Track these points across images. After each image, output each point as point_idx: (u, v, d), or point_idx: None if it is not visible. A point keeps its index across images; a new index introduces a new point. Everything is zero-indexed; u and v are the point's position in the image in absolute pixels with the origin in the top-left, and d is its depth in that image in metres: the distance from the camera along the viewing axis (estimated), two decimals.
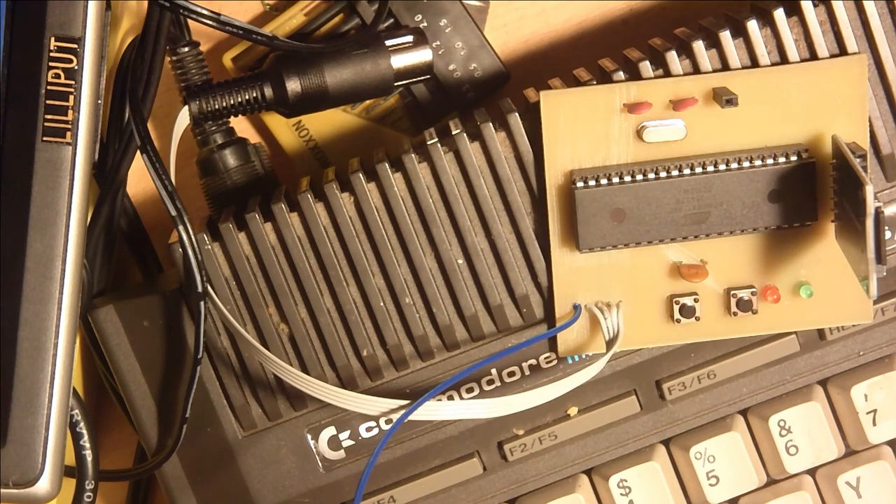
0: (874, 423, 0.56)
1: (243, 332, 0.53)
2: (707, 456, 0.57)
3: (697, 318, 0.54)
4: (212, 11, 0.55)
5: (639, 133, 0.53)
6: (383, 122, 0.60)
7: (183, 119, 0.56)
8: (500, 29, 0.60)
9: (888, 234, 0.55)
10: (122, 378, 0.56)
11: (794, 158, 0.53)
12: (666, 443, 0.57)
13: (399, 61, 0.57)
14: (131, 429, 0.58)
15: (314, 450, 0.56)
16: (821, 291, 0.54)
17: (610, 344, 0.54)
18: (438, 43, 0.59)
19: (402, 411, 0.52)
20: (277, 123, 0.60)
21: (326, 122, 0.59)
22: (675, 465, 0.57)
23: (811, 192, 0.53)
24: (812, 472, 0.58)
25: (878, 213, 0.48)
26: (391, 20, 0.58)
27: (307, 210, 0.54)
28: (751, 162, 0.53)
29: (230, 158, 0.58)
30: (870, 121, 0.54)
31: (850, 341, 0.56)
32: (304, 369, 0.55)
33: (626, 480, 0.56)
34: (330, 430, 0.56)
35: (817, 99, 0.53)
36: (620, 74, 0.54)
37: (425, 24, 0.58)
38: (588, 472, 0.57)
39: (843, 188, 0.52)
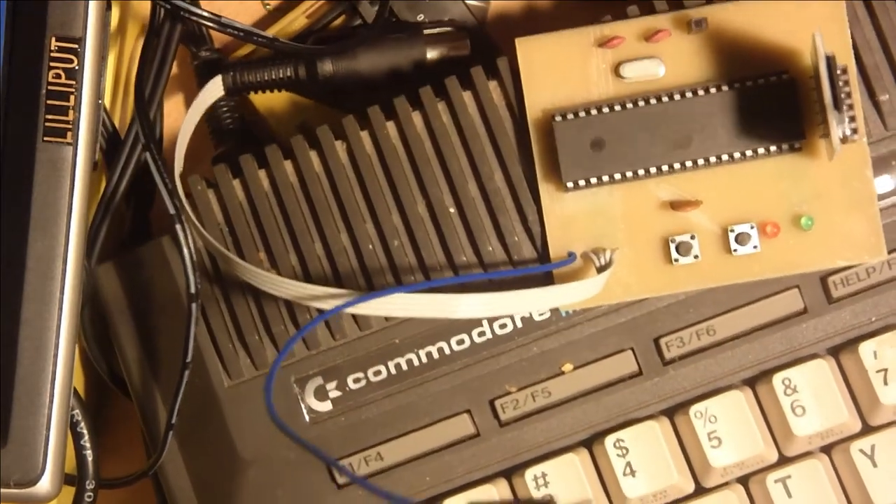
0: (885, 383, 0.54)
1: (210, 239, 0.53)
2: (708, 416, 0.54)
3: (696, 257, 0.53)
4: (213, 14, 0.56)
5: (617, 71, 0.54)
6: None
7: (214, 88, 0.57)
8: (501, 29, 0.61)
9: (891, 185, 0.54)
10: (117, 332, 0.56)
11: (773, 79, 0.52)
12: (667, 408, 0.55)
13: (434, 52, 0.58)
14: (133, 429, 0.57)
15: (301, 400, 0.55)
16: (822, 224, 0.53)
17: (601, 269, 0.52)
18: None
19: (348, 298, 0.51)
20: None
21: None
22: (675, 425, 0.55)
23: (795, 110, 0.52)
24: (827, 447, 0.55)
25: (829, 59, 0.47)
26: (393, 20, 0.60)
27: (300, 153, 0.55)
28: (730, 86, 0.53)
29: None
30: (865, 66, 0.54)
31: (860, 305, 0.54)
32: (294, 315, 0.55)
33: (622, 441, 0.54)
34: (317, 381, 0.55)
35: (797, 28, 0.53)
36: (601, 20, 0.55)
37: None
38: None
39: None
